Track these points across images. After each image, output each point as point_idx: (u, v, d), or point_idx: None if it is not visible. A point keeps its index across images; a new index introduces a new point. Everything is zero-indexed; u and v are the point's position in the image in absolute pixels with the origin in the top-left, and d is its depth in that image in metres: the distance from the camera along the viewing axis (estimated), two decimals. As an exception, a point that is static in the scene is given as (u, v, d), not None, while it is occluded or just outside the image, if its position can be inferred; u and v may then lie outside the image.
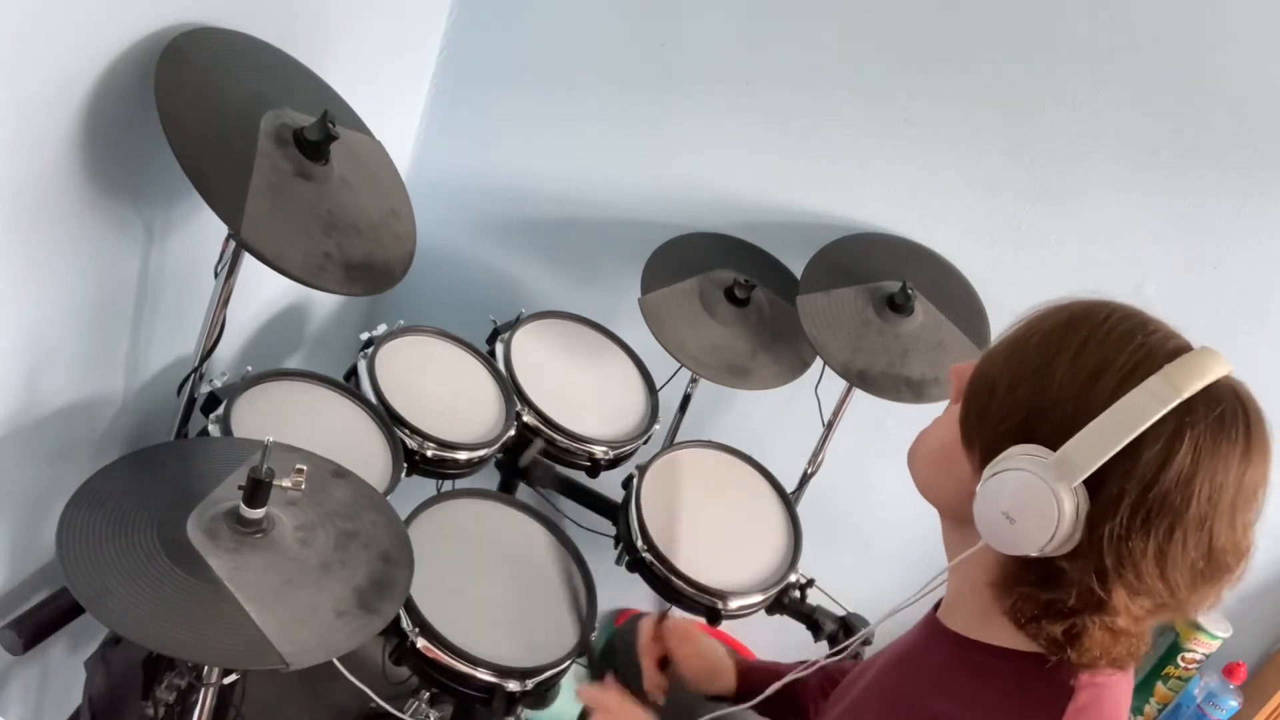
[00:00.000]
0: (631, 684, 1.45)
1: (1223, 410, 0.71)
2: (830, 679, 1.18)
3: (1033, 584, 0.76)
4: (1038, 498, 0.72)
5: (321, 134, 1.19)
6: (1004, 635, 0.81)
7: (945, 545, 0.89)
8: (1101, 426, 0.71)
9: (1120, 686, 0.82)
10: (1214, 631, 1.85)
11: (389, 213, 1.35)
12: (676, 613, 1.44)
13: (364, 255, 1.25)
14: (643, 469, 1.58)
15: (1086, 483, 0.72)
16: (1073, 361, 0.74)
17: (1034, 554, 0.74)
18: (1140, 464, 0.70)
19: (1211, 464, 0.70)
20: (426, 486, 1.54)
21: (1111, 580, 0.73)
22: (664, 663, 1.28)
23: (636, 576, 1.50)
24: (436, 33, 1.83)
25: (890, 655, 0.96)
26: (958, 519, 0.84)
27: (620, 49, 1.77)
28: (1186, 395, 0.70)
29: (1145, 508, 0.71)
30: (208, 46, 1.16)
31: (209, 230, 1.23)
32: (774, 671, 1.24)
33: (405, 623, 1.26)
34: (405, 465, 1.43)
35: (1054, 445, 0.73)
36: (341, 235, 1.22)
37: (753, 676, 1.23)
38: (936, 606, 0.93)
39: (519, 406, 1.60)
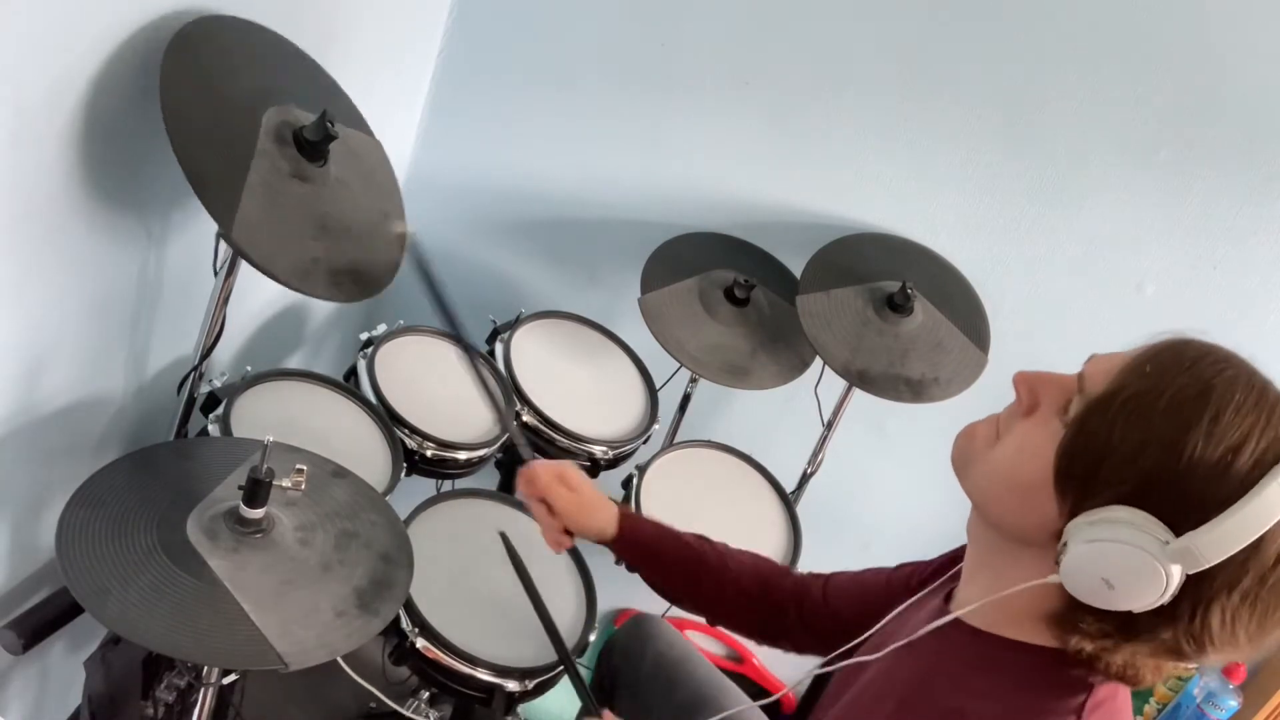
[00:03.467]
0: (630, 684, 1.45)
1: None
2: (720, 557, 1.19)
3: (1104, 627, 0.75)
4: (1149, 576, 0.70)
5: (320, 134, 1.19)
6: (1026, 631, 0.81)
7: (975, 540, 0.88)
8: (1239, 523, 0.68)
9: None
10: (1214, 631, 1.85)
11: (382, 216, 1.34)
12: (676, 613, 1.44)
13: (351, 261, 1.24)
14: (642, 469, 1.58)
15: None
16: (1206, 439, 0.70)
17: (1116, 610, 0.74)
18: (1261, 557, 0.69)
19: None
20: (426, 486, 1.54)
21: (1200, 647, 0.73)
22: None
23: (636, 576, 1.49)
24: (436, 33, 1.83)
25: (897, 648, 0.95)
26: (1020, 541, 0.81)
27: (620, 49, 1.77)
28: None
29: (1255, 594, 0.70)
30: (214, 39, 1.15)
31: (209, 230, 1.22)
32: (656, 525, 1.25)
33: (405, 623, 1.26)
34: (405, 465, 1.43)
35: (1170, 519, 0.70)
36: (331, 240, 1.22)
37: (636, 523, 1.23)
38: (945, 598, 0.93)
39: (519, 406, 1.60)
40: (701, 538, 1.24)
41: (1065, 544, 0.75)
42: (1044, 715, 0.77)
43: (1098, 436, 0.74)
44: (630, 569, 1.25)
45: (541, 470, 1.23)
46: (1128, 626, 0.74)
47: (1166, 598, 0.71)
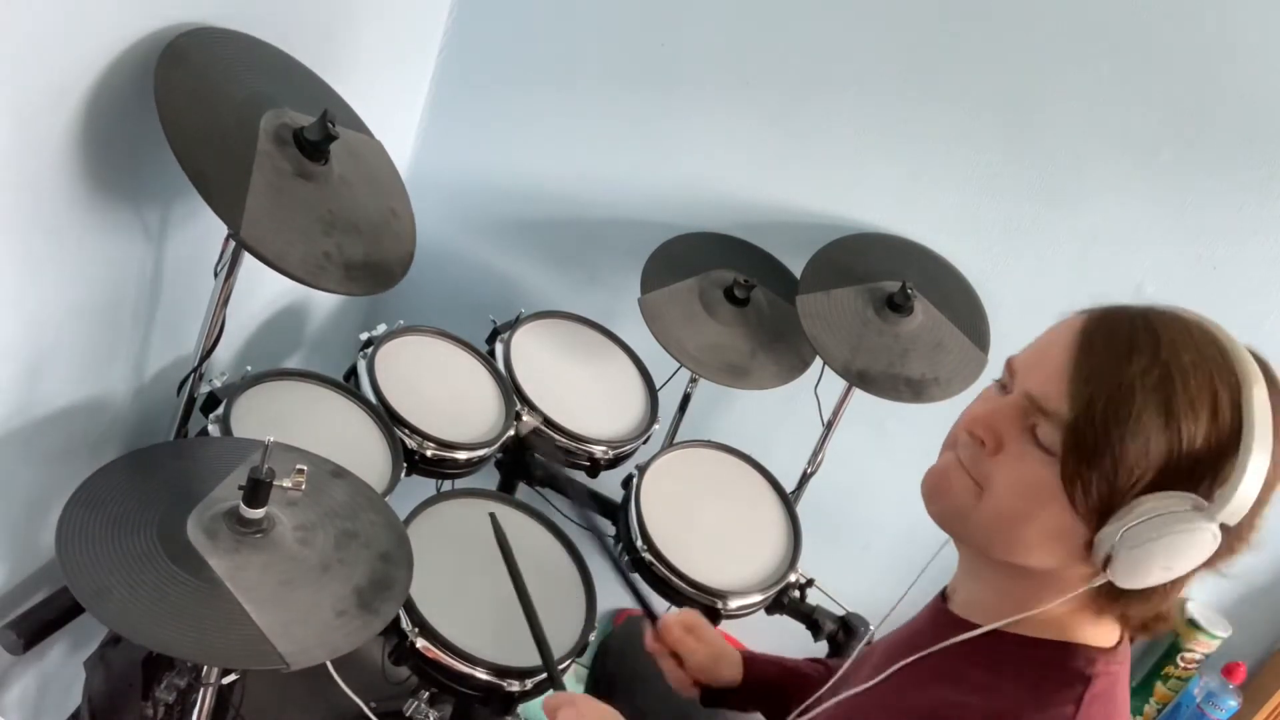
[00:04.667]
0: (628, 683, 1.45)
1: (1276, 384, 0.76)
2: (831, 672, 1.18)
3: (1159, 595, 0.78)
4: (1201, 544, 0.73)
5: (321, 134, 1.19)
6: (1026, 625, 0.82)
7: (983, 565, 0.87)
8: (1254, 463, 0.71)
9: (1124, 676, 0.83)
10: (1213, 631, 1.85)
11: (389, 213, 1.35)
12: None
13: (363, 255, 1.25)
14: (642, 469, 1.58)
15: None
16: (1190, 404, 0.73)
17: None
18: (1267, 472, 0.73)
19: None
20: (426, 486, 1.54)
21: (1236, 550, 0.77)
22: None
23: (636, 576, 1.50)
24: (436, 33, 1.83)
25: (894, 644, 0.95)
26: (1030, 568, 0.81)
27: (620, 49, 1.77)
28: (1266, 390, 0.73)
29: (1262, 498, 0.73)
30: (208, 46, 1.16)
31: (209, 230, 1.23)
32: (778, 663, 1.23)
33: (405, 622, 1.26)
34: (405, 465, 1.43)
35: (1195, 486, 0.72)
36: (341, 235, 1.22)
37: (759, 666, 1.23)
38: (943, 595, 0.93)
39: (519, 406, 1.60)
40: (817, 661, 1.23)
41: (1110, 553, 0.75)
42: (1043, 708, 0.77)
43: (1099, 453, 0.74)
44: (746, 709, 1.23)
45: (673, 624, 1.22)
46: (1176, 582, 0.77)
47: (1217, 548, 0.73)
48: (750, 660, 1.23)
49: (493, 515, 1.27)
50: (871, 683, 0.93)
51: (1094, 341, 0.77)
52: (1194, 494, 0.72)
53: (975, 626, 0.85)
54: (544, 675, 1.30)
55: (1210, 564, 0.76)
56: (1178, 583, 0.77)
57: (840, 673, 1.09)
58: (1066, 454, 0.76)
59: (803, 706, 1.06)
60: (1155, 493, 0.73)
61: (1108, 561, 0.75)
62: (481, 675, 1.26)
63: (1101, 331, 0.78)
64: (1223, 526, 0.72)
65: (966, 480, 0.83)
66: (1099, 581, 0.76)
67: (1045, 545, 0.79)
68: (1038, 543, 0.79)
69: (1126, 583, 0.76)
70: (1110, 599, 0.79)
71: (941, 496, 0.85)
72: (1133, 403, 0.73)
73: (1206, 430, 0.72)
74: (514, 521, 1.51)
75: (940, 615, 0.91)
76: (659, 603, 1.49)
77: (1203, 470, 0.72)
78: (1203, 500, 0.72)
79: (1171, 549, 0.73)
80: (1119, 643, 0.83)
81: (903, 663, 0.89)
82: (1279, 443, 0.73)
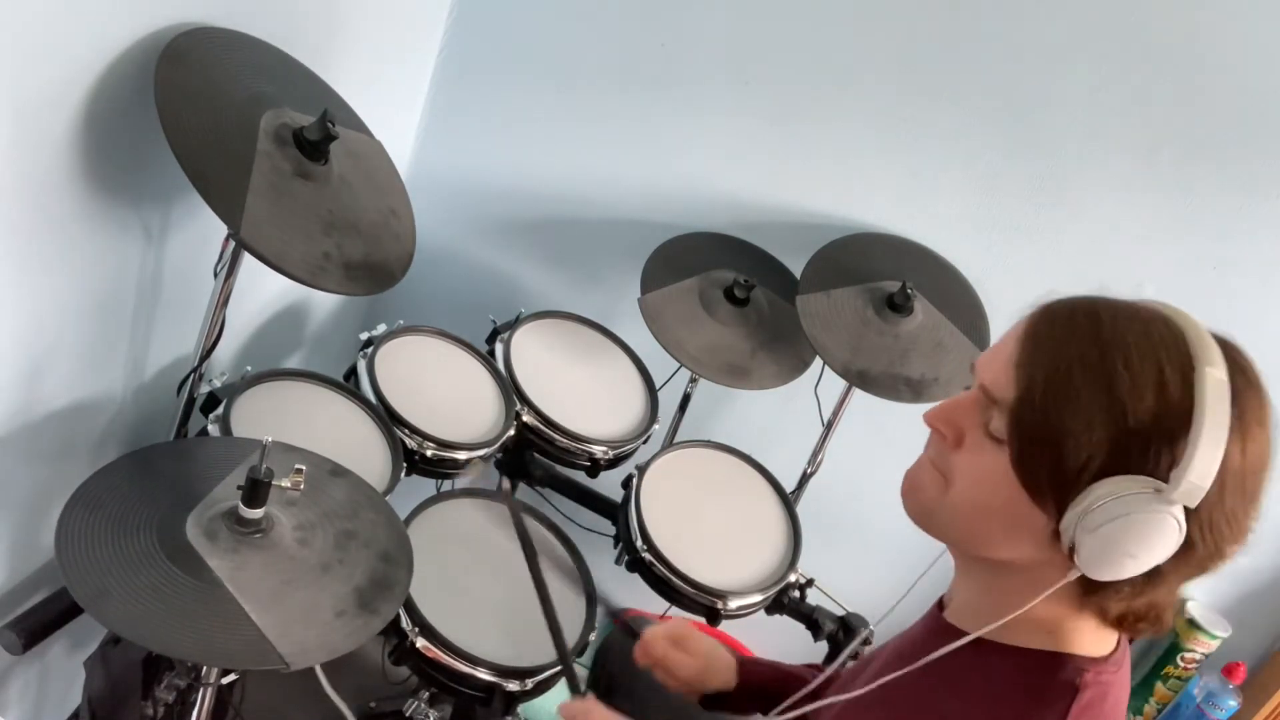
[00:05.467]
0: (629, 684, 1.45)
1: (1248, 381, 0.75)
2: (828, 679, 1.18)
3: (1133, 590, 0.77)
4: (1162, 528, 0.71)
5: (321, 134, 1.19)
6: (1017, 634, 0.81)
7: (966, 571, 0.88)
8: (1208, 440, 0.70)
9: (1121, 683, 0.82)
10: (1213, 631, 1.85)
11: (389, 213, 1.35)
12: (675, 612, 1.44)
13: (363, 255, 1.25)
14: (642, 469, 1.58)
15: None
16: (1133, 384, 0.72)
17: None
18: (1228, 457, 0.71)
19: (1265, 435, 0.74)
20: (426, 486, 1.54)
21: (1206, 567, 0.75)
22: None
23: (636, 576, 1.50)
24: (436, 33, 1.83)
25: (891, 651, 0.96)
26: (1009, 563, 0.81)
27: (620, 49, 1.77)
28: (1229, 378, 0.72)
29: (1231, 491, 0.72)
30: (208, 46, 1.16)
31: (209, 230, 1.23)
32: (774, 667, 1.23)
33: (405, 622, 1.26)
34: (405, 465, 1.43)
35: (1150, 469, 0.72)
36: (341, 235, 1.22)
37: (754, 671, 1.22)
38: (940, 603, 0.93)
39: (518, 406, 1.60)
40: (814, 667, 1.23)
41: (1072, 542, 0.75)
42: (1030, 717, 0.77)
43: (1041, 435, 0.75)
44: (746, 712, 1.22)
45: (658, 639, 1.21)
46: (1154, 576, 0.75)
47: (1183, 536, 0.72)
48: (746, 666, 1.22)
49: (511, 494, 1.24)
50: (865, 689, 0.93)
51: (1039, 329, 0.78)
52: (1150, 477, 0.71)
53: (964, 633, 0.85)
54: (544, 675, 1.30)
55: (1200, 564, 0.75)
56: (1158, 578, 0.75)
57: (827, 673, 1.09)
58: (1012, 438, 0.77)
59: (786, 704, 1.05)
60: (1111, 477, 0.72)
61: (1076, 553, 0.75)
62: (482, 675, 1.26)
63: (1046, 318, 0.78)
64: (1193, 517, 0.72)
65: (935, 475, 0.84)
66: (1073, 575, 0.76)
67: (1011, 537, 0.79)
68: (1003, 535, 0.80)
69: (1096, 572, 0.75)
70: (1088, 594, 0.78)
71: (913, 493, 0.87)
72: (1070, 382, 0.74)
73: (1154, 409, 0.71)
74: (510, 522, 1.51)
75: (935, 623, 0.91)
76: (657, 604, 1.49)
77: (1156, 451, 0.71)
78: (1159, 482, 0.71)
79: (1131, 533, 0.72)
80: (1114, 651, 0.83)
81: (899, 673, 0.89)
82: (1252, 429, 0.73)
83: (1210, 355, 0.72)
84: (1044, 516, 0.76)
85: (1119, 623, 0.80)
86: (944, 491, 0.83)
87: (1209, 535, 0.73)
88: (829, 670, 1.07)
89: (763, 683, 1.21)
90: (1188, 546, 0.73)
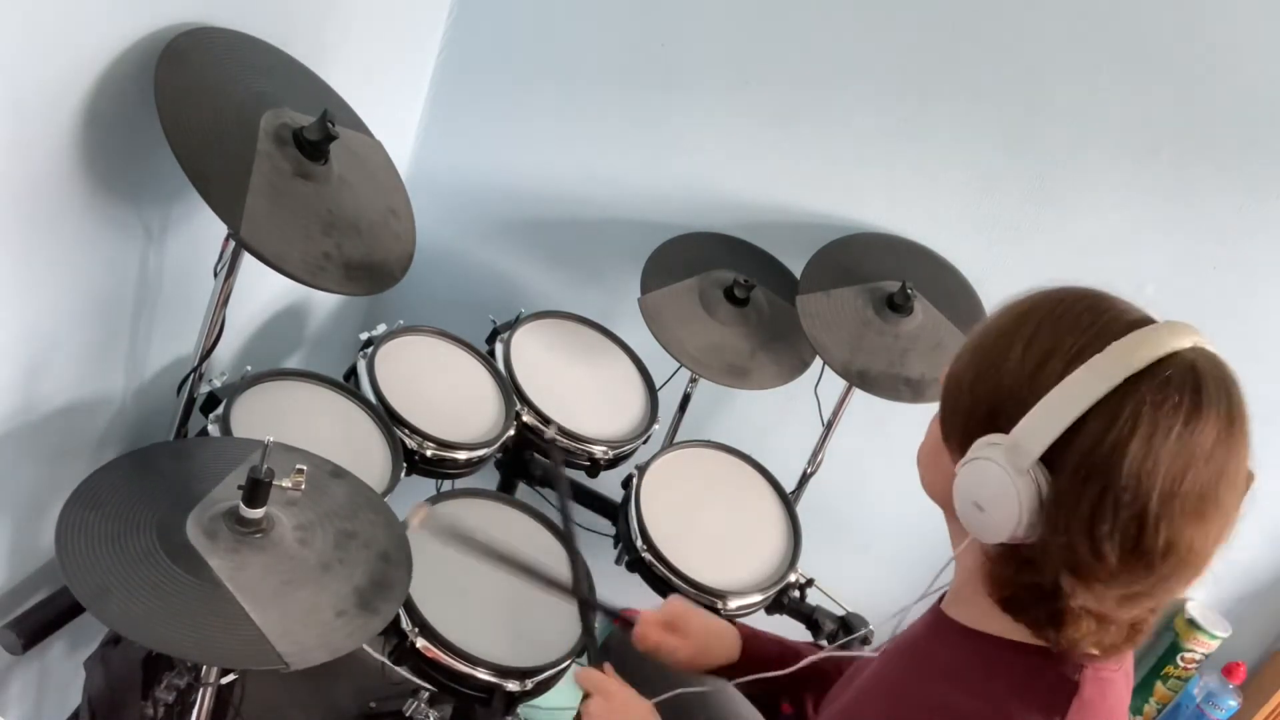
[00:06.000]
0: (629, 684, 1.45)
1: (1174, 382, 0.71)
2: (828, 675, 1.18)
3: (1013, 570, 0.78)
4: (999, 484, 0.74)
5: (321, 134, 1.19)
6: (1008, 627, 0.82)
7: (951, 541, 0.89)
8: (1047, 407, 0.73)
9: (1122, 682, 0.83)
10: (1213, 631, 1.85)
11: (388, 212, 1.35)
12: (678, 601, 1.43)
13: (363, 255, 1.25)
14: (642, 469, 1.58)
15: (1050, 467, 0.73)
16: (1024, 350, 0.76)
17: (1006, 540, 0.76)
18: (1082, 436, 0.72)
19: (1149, 429, 0.70)
20: (426, 486, 1.54)
21: (1065, 559, 0.74)
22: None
23: (636, 576, 1.50)
24: (436, 33, 1.83)
25: (894, 647, 0.96)
26: (952, 514, 0.85)
27: (620, 49, 1.77)
28: (1137, 368, 0.71)
29: (1083, 473, 0.72)
30: (208, 46, 1.16)
31: (209, 230, 1.23)
32: (778, 641, 1.23)
33: (405, 622, 1.26)
34: (405, 465, 1.43)
35: (1009, 431, 0.75)
36: (341, 235, 1.22)
37: (757, 644, 1.22)
38: (941, 599, 0.94)
39: (518, 406, 1.60)
40: (816, 645, 1.23)
41: None
42: (1030, 711, 0.77)
43: (954, 377, 0.82)
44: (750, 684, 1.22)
45: (651, 627, 1.21)
46: (1026, 563, 0.76)
47: (1026, 511, 0.73)
48: (749, 638, 1.22)
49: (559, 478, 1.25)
50: (867, 681, 0.93)
51: (1006, 302, 0.83)
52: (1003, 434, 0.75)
53: (963, 627, 0.86)
54: (544, 675, 1.30)
55: (1081, 567, 0.73)
56: (1033, 564, 0.75)
57: (827, 652, 1.11)
58: (941, 389, 0.85)
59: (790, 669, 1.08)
60: (986, 434, 0.77)
61: None
62: (482, 675, 1.26)
63: (1021, 294, 0.83)
64: (1057, 505, 0.72)
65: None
66: (970, 539, 0.81)
67: (938, 480, 0.84)
68: (933, 478, 0.87)
69: (960, 516, 0.79)
70: (994, 575, 0.80)
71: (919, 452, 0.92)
72: (983, 341, 0.80)
73: (1031, 376, 0.74)
74: (514, 521, 1.51)
75: (936, 617, 0.91)
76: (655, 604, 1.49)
77: (1016, 412, 0.74)
78: (1004, 436, 0.75)
79: (974, 482, 0.76)
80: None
81: (899, 664, 0.89)
82: (1171, 442, 0.70)
83: (1127, 353, 0.71)
84: (951, 462, 0.81)
85: (1020, 615, 0.79)
86: (924, 439, 0.90)
87: (1059, 517, 0.73)
88: (827, 651, 1.08)
89: (767, 657, 1.21)
90: (1049, 532, 0.73)
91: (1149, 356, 0.71)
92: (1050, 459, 0.73)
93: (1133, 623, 0.79)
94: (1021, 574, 0.77)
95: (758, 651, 1.21)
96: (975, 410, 0.79)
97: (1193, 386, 0.72)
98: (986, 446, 0.76)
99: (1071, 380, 0.72)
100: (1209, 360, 0.74)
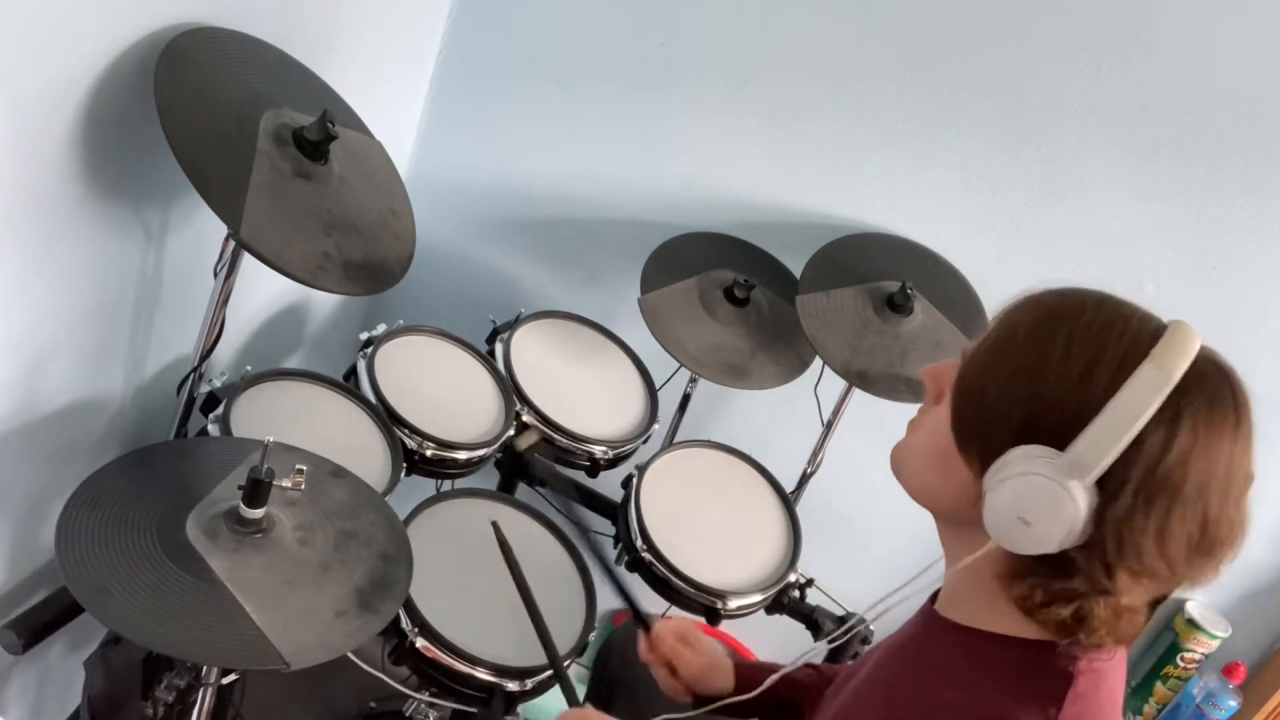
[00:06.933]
0: (630, 684, 1.45)
1: (1212, 387, 0.73)
2: (827, 681, 1.18)
3: (1044, 575, 0.77)
4: (1053, 500, 0.72)
5: (321, 134, 1.20)
6: (1005, 623, 0.81)
7: (943, 543, 0.89)
8: (1108, 423, 0.71)
9: (1115, 671, 0.82)
10: (1213, 631, 1.85)
11: (388, 212, 1.35)
12: (675, 611, 1.44)
13: (363, 255, 1.25)
14: (642, 469, 1.58)
15: (1101, 477, 0.72)
16: (1064, 358, 0.74)
17: (1049, 551, 0.75)
18: (1144, 452, 0.71)
19: (1207, 439, 0.72)
20: (426, 486, 1.54)
21: (1115, 563, 0.74)
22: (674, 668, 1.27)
23: (636, 576, 1.50)
24: (436, 33, 1.83)
25: (887, 648, 0.96)
26: (956, 521, 0.84)
27: (620, 49, 1.77)
28: (1178, 378, 0.71)
29: (1147, 491, 0.71)
30: (208, 46, 1.16)
31: (209, 230, 1.23)
32: (767, 668, 1.24)
33: (404, 622, 1.26)
34: (405, 465, 1.43)
35: (1059, 444, 0.73)
36: (341, 235, 1.22)
37: (750, 674, 1.23)
38: (933, 598, 0.93)
39: (518, 406, 1.60)
40: (811, 667, 1.24)
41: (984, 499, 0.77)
42: (1025, 706, 0.77)
43: (974, 386, 0.79)
44: (743, 715, 1.23)
45: (666, 633, 1.23)
46: (1061, 568, 0.75)
47: (1080, 522, 0.72)
48: (741, 669, 1.23)
49: (495, 525, 1.28)
50: (861, 684, 0.93)
51: (1020, 298, 0.81)
52: (1055, 449, 0.73)
53: (956, 625, 0.85)
54: (544, 675, 1.30)
55: (1120, 573, 0.74)
56: (1069, 569, 0.75)
57: (815, 649, 1.11)
58: (955, 386, 0.81)
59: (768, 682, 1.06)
60: (1024, 444, 0.74)
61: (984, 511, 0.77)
62: (482, 675, 1.26)
63: (1032, 293, 0.81)
64: (1106, 513, 0.72)
65: (910, 428, 0.89)
66: (991, 544, 0.78)
67: (946, 486, 0.82)
68: (937, 483, 0.83)
69: (996, 533, 0.76)
70: (1009, 574, 0.79)
71: (895, 448, 0.90)
72: (1012, 343, 0.77)
73: (1076, 387, 0.73)
74: (514, 521, 1.51)
75: (928, 616, 0.91)
76: (655, 604, 1.49)
77: (1067, 427, 0.72)
78: (1057, 451, 0.73)
79: (1023, 496, 0.73)
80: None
81: (892, 665, 0.89)
82: (1207, 450, 0.72)
83: (1168, 362, 0.72)
84: (969, 472, 0.79)
85: (1041, 615, 0.79)
86: (907, 439, 0.89)
87: (1125, 534, 0.72)
88: (816, 646, 1.08)
89: (757, 685, 1.22)
90: (1097, 543, 0.73)
91: (1185, 363, 0.72)
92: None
93: (1150, 603, 0.79)
94: (1053, 579, 0.76)
95: (750, 682, 1.21)
96: (1008, 419, 0.76)
97: (1231, 392, 0.74)
98: (1038, 461, 0.73)
99: (1128, 393, 0.71)
100: (1220, 359, 0.75)
